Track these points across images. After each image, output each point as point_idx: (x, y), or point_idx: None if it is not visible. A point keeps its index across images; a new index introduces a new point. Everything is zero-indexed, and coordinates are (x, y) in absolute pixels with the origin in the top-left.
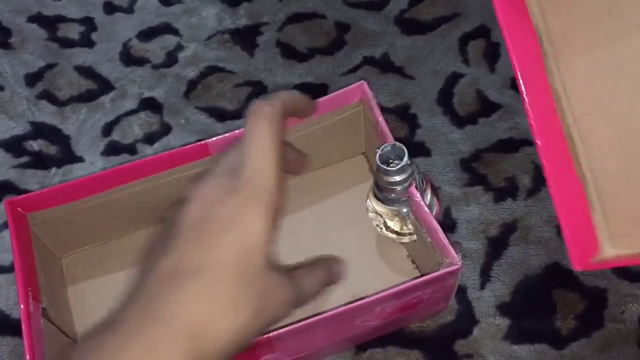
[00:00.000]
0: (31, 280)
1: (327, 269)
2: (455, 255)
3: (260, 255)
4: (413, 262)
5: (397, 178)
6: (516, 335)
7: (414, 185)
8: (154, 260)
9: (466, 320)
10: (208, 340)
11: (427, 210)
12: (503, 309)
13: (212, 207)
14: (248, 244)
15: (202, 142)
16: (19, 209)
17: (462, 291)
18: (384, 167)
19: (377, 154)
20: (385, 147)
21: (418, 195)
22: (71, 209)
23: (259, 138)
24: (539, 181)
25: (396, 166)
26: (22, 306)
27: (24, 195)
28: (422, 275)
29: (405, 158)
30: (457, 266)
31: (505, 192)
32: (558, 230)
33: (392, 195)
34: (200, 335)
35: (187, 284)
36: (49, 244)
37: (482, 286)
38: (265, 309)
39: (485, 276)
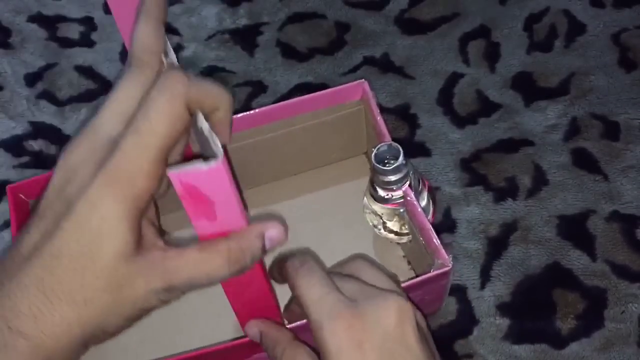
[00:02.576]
0: None
1: (238, 250)
2: (447, 257)
3: (112, 244)
4: (409, 262)
5: (393, 178)
6: (516, 335)
7: (409, 185)
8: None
9: (466, 320)
10: (45, 338)
11: (420, 211)
12: (503, 309)
13: (69, 180)
14: (94, 232)
15: None
16: (21, 195)
17: (462, 291)
18: (380, 166)
19: (373, 154)
20: (381, 146)
21: (412, 195)
22: None
23: (157, 111)
24: (539, 181)
25: (391, 166)
26: None
27: (25, 181)
28: (416, 277)
29: (401, 158)
30: (448, 268)
31: (505, 192)
32: (558, 230)
33: (388, 194)
34: (34, 332)
35: (22, 272)
36: None
37: (482, 286)
38: (123, 302)
39: (485, 276)
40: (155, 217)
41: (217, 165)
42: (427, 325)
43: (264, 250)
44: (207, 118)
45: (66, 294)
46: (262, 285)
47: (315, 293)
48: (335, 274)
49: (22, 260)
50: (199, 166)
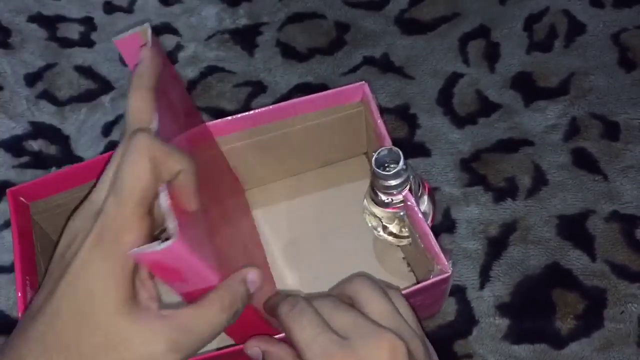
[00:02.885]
0: (30, 268)
1: (229, 296)
2: (446, 263)
3: (104, 302)
4: (408, 264)
5: (393, 182)
6: (516, 335)
7: (410, 189)
8: None
9: (466, 321)
10: None
11: (421, 216)
12: (502, 309)
13: (69, 245)
14: (87, 290)
15: None
16: (22, 198)
17: (461, 291)
18: (380, 171)
19: (373, 158)
20: (381, 151)
21: (412, 199)
22: (73, 195)
23: (126, 169)
24: (538, 181)
25: (392, 170)
26: (19, 294)
27: (26, 184)
28: (416, 283)
29: (401, 162)
30: (448, 274)
31: (505, 192)
32: (558, 230)
33: (388, 199)
34: None
35: (29, 327)
36: (52, 232)
37: (482, 286)
38: None
39: (484, 276)
40: (152, 284)
41: (172, 244)
42: (427, 349)
43: (249, 294)
44: (170, 187)
45: (64, 348)
46: (257, 322)
47: (308, 334)
48: (333, 299)
49: (30, 317)
50: (154, 247)
